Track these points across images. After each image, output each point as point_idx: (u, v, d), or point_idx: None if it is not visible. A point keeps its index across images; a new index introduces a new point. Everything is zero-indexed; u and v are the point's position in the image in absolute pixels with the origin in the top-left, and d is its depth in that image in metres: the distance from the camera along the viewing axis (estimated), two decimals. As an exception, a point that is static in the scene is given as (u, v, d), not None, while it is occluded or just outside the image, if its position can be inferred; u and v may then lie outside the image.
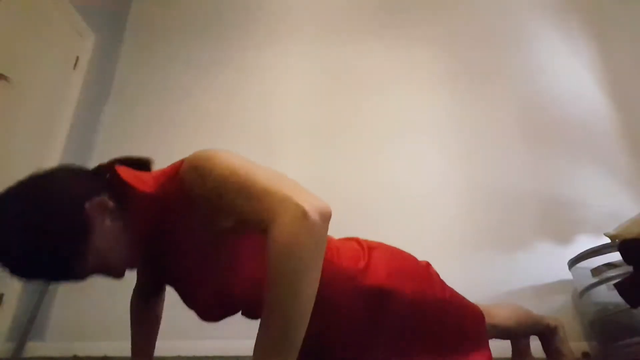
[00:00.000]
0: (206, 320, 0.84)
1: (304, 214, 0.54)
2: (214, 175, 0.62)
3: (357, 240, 0.97)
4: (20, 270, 0.63)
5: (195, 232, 0.71)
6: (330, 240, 0.90)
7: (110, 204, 0.69)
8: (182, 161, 0.70)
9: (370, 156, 2.33)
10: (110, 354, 1.87)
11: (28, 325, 1.90)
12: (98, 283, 2.22)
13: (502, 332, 1.08)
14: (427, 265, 1.00)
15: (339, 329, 0.85)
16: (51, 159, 2.15)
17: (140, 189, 0.70)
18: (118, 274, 0.73)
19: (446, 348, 0.91)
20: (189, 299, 0.83)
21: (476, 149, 2.32)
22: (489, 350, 0.96)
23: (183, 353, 1.83)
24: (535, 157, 2.27)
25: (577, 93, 2.43)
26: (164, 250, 0.76)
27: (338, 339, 0.86)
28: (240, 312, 0.86)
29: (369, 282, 0.85)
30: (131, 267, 0.76)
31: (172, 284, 0.85)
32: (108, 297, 2.07)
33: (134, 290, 1.00)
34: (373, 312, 0.85)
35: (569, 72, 2.49)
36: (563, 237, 2.05)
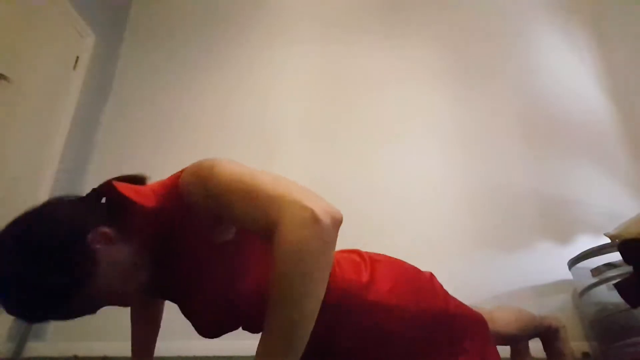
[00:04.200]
0: (206, 337, 0.83)
1: (314, 217, 0.52)
2: (216, 183, 0.60)
3: (358, 253, 0.95)
4: (28, 315, 0.62)
5: (196, 245, 0.69)
6: None
7: (112, 233, 0.66)
8: (181, 172, 0.68)
9: (370, 156, 2.33)
10: (110, 354, 1.87)
11: (28, 325, 1.90)
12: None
13: (504, 338, 1.07)
14: (431, 276, 0.99)
15: (339, 341, 0.84)
16: (51, 159, 2.15)
17: (141, 203, 0.67)
18: (127, 302, 0.73)
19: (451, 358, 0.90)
20: (190, 315, 0.81)
21: (476, 148, 2.32)
22: (497, 351, 0.95)
23: (183, 353, 1.83)
24: (535, 157, 2.27)
25: (578, 93, 2.43)
26: (165, 265, 0.74)
27: (338, 352, 0.85)
28: (240, 327, 0.85)
29: (373, 297, 0.84)
30: (139, 293, 0.74)
31: (173, 300, 0.83)
32: (108, 297, 2.07)
33: None
34: (376, 327, 0.84)
35: (569, 72, 2.49)
36: (563, 237, 2.05)
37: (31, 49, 2.05)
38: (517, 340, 1.24)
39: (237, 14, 2.86)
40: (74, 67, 2.35)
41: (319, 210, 0.52)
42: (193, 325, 0.82)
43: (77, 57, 2.38)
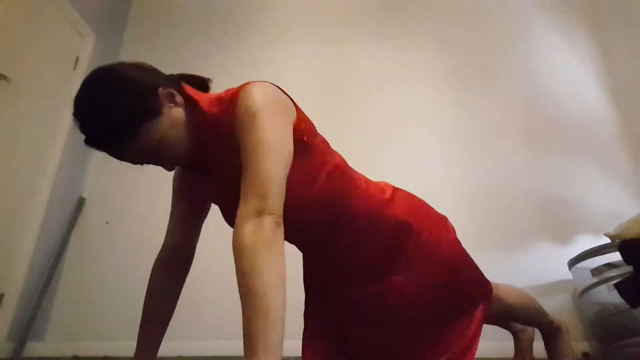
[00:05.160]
0: None
1: (259, 219, 0.64)
2: (247, 134, 0.72)
3: (384, 183, 1.03)
4: (92, 127, 0.73)
5: (235, 155, 0.75)
6: (360, 176, 0.97)
7: (180, 97, 0.80)
8: (239, 90, 0.79)
9: (370, 156, 2.32)
10: (110, 354, 1.87)
11: (28, 325, 1.90)
12: (98, 283, 2.22)
13: (505, 308, 1.07)
14: (445, 218, 1.04)
15: (359, 250, 0.88)
16: (51, 158, 2.15)
17: (202, 106, 0.80)
18: (170, 163, 0.82)
19: (449, 302, 0.92)
20: (230, 216, 0.83)
21: (476, 148, 2.32)
22: (482, 318, 0.97)
23: (183, 353, 1.83)
24: (535, 157, 2.27)
25: (578, 93, 2.43)
26: (207, 167, 0.84)
27: (357, 263, 0.90)
28: None
29: (394, 211, 0.90)
30: (183, 162, 0.85)
31: (214, 201, 0.93)
32: (108, 298, 2.07)
33: (157, 260, 0.94)
34: (393, 242, 0.89)
35: (570, 72, 2.50)
36: (563, 237, 2.05)
37: (31, 49, 2.05)
38: (518, 319, 1.23)
39: (238, 13, 2.86)
40: (74, 67, 2.35)
41: (264, 214, 0.65)
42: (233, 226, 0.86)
43: (77, 57, 2.38)
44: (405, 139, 2.37)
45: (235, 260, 0.63)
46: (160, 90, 0.77)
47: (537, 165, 2.24)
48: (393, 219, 0.89)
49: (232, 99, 0.78)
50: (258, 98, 0.75)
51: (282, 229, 0.67)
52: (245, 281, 0.60)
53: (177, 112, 0.79)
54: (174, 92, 0.79)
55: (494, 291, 1.01)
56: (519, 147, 2.30)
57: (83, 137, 0.74)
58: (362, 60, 2.62)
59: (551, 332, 1.21)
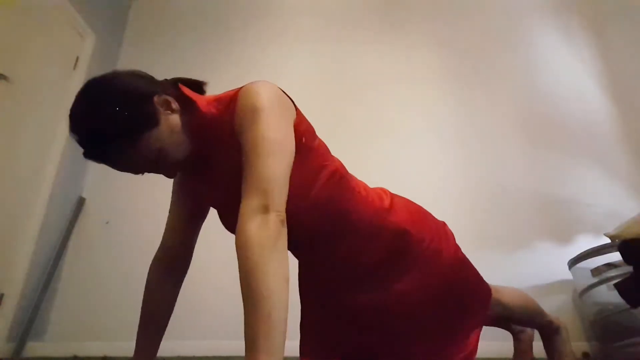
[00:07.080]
0: None
1: (264, 218, 0.63)
2: (250, 130, 0.71)
3: (382, 189, 1.02)
4: (89, 139, 0.72)
5: (236, 154, 0.75)
6: (359, 182, 0.97)
7: (176, 104, 0.79)
8: (240, 89, 0.79)
9: (370, 156, 2.33)
10: (110, 354, 1.87)
11: (28, 325, 1.90)
12: (98, 283, 2.22)
13: (505, 311, 1.07)
14: (444, 224, 1.03)
15: (359, 258, 0.88)
16: (51, 159, 2.15)
17: (201, 107, 0.80)
18: (171, 171, 0.82)
19: (451, 312, 0.91)
20: (228, 221, 0.85)
21: (476, 148, 2.32)
22: (481, 327, 0.97)
23: (183, 353, 1.83)
24: (535, 157, 2.27)
25: (578, 93, 2.43)
26: (208, 169, 0.84)
27: (355, 272, 0.89)
28: None
29: (393, 219, 0.89)
30: (183, 167, 0.84)
31: (213, 205, 0.91)
32: (108, 298, 2.07)
33: (154, 259, 0.93)
34: (393, 250, 0.88)
35: (570, 72, 2.50)
36: (563, 237, 2.05)
37: (31, 49, 2.05)
38: (518, 321, 1.23)
39: (238, 14, 2.86)
40: (74, 67, 2.35)
41: (268, 211, 0.64)
42: (232, 232, 0.84)
43: (77, 57, 2.38)
44: (406, 139, 2.37)
45: (239, 257, 0.61)
46: (155, 98, 0.76)
47: (538, 165, 2.24)
48: (393, 227, 0.89)
49: (232, 99, 0.78)
50: (261, 95, 0.75)
51: (285, 227, 0.66)
52: (248, 280, 0.59)
53: (174, 119, 0.78)
54: (170, 98, 0.78)
55: (494, 294, 1.01)
56: (519, 147, 2.30)
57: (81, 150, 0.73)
58: (362, 60, 2.62)
59: (550, 332, 1.21)
